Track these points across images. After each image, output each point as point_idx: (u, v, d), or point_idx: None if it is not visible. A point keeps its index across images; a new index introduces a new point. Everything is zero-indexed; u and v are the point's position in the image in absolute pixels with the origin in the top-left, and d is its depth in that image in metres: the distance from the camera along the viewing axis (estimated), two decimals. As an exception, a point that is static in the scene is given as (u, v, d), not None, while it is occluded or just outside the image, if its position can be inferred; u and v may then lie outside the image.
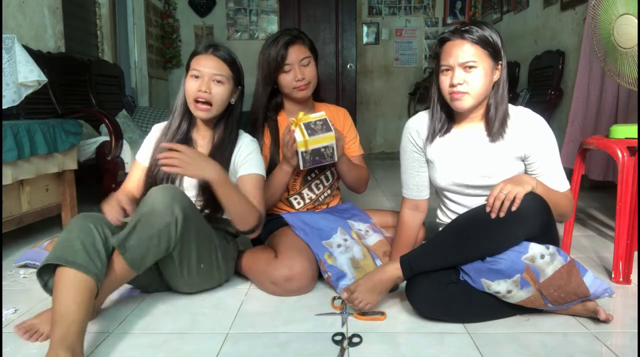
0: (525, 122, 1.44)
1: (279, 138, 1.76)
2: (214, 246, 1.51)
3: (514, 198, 1.26)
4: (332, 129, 1.61)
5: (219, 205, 1.47)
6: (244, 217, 1.45)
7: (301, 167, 1.64)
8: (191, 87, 1.50)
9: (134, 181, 1.61)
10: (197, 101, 1.49)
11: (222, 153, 1.55)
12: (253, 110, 1.79)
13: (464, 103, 1.39)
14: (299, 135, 1.60)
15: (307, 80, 1.73)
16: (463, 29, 1.37)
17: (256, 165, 1.57)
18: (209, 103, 1.49)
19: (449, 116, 1.50)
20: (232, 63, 1.54)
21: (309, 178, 1.81)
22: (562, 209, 1.41)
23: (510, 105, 1.48)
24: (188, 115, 1.58)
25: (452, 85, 1.38)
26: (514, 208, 1.26)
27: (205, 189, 1.49)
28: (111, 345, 1.26)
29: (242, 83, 1.60)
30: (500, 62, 1.40)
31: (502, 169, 1.45)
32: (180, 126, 1.58)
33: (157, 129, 1.64)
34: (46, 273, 1.24)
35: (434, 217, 1.69)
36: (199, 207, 1.53)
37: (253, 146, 1.61)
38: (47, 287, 1.25)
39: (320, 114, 1.63)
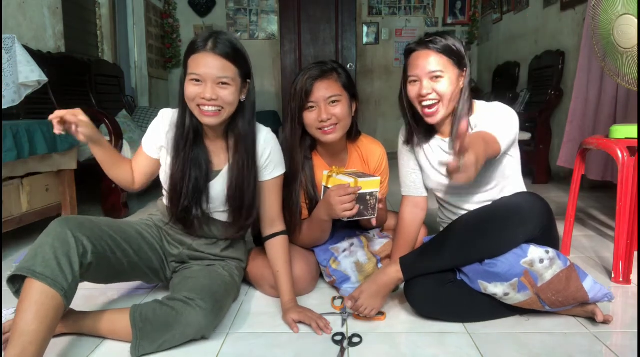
0: (484, 111, 1.45)
1: (316, 179, 1.62)
2: (230, 305, 1.46)
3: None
4: (378, 176, 1.42)
5: (247, 216, 1.44)
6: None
7: (345, 219, 1.41)
8: (192, 92, 1.29)
9: (137, 166, 1.48)
10: (201, 107, 1.31)
11: (245, 155, 1.39)
12: (285, 149, 1.57)
13: (437, 116, 1.42)
14: (344, 177, 1.39)
15: (334, 122, 1.50)
16: (427, 39, 1.40)
17: (279, 165, 1.49)
18: (217, 109, 1.30)
19: (421, 124, 1.52)
20: (237, 57, 1.31)
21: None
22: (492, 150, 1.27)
23: (482, 102, 1.50)
24: (196, 120, 1.37)
25: (421, 96, 1.40)
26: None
27: (234, 200, 1.42)
28: (111, 345, 1.26)
29: (250, 76, 1.38)
30: (465, 69, 1.43)
31: (484, 168, 1.45)
32: (189, 133, 1.38)
33: (166, 119, 1.43)
34: (18, 280, 1.15)
35: (435, 217, 1.70)
36: (225, 218, 1.47)
37: (272, 142, 1.47)
38: (19, 294, 1.15)
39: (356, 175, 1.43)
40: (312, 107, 1.51)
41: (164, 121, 1.44)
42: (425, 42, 1.40)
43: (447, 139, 1.51)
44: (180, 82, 1.36)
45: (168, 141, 1.41)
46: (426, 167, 1.56)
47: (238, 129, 1.40)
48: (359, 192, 1.36)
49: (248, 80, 1.38)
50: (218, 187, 1.42)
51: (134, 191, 1.54)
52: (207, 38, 1.29)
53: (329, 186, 1.42)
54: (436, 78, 1.39)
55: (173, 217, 1.44)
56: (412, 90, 1.43)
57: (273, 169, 1.48)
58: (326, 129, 1.51)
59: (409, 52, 1.45)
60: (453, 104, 1.43)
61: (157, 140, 1.45)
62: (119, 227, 1.36)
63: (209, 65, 1.27)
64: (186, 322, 1.22)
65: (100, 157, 1.41)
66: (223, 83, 1.29)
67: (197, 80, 1.29)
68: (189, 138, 1.38)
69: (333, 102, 1.51)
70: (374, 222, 1.44)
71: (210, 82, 1.28)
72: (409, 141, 1.57)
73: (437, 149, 1.53)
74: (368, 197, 1.38)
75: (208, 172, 1.41)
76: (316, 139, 1.58)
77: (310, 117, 1.52)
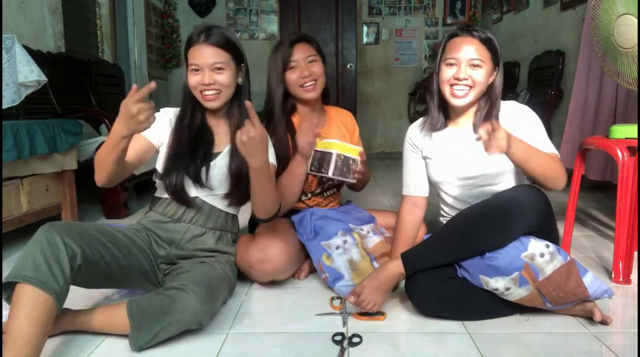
0: (510, 112, 1.48)
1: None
2: (225, 297, 1.47)
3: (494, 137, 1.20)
4: (361, 147, 1.70)
5: (242, 199, 1.51)
6: (266, 209, 1.45)
7: (329, 174, 1.62)
8: (194, 81, 1.45)
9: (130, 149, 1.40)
10: (203, 93, 1.45)
11: None
12: (267, 113, 1.75)
13: (465, 99, 1.43)
14: (333, 140, 1.63)
15: (314, 77, 1.71)
16: (472, 28, 1.45)
17: (271, 153, 1.51)
18: (215, 92, 1.45)
19: (444, 112, 1.55)
20: (228, 45, 1.47)
21: (324, 179, 1.78)
22: (551, 170, 1.33)
23: (510, 102, 1.52)
24: (199, 105, 1.52)
25: (457, 78, 1.42)
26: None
27: (233, 181, 1.48)
28: (110, 346, 1.26)
29: (243, 60, 1.53)
30: (497, 67, 1.46)
31: (494, 159, 1.47)
32: (194, 118, 1.52)
33: (166, 112, 1.55)
34: (9, 287, 1.16)
35: (436, 216, 1.70)
36: (220, 202, 1.52)
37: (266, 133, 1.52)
38: (10, 300, 1.16)
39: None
40: (293, 67, 1.71)
41: (168, 115, 1.55)
42: (470, 30, 1.44)
43: (460, 130, 1.53)
44: (184, 87, 1.52)
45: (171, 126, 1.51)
46: (436, 158, 1.56)
47: (237, 112, 1.52)
48: (344, 154, 1.62)
49: (242, 64, 1.52)
50: (218, 167, 1.49)
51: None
52: (200, 32, 1.46)
53: (318, 149, 1.64)
54: (475, 66, 1.41)
55: (169, 185, 1.45)
56: (447, 72, 1.44)
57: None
58: (307, 85, 1.71)
59: (451, 36, 1.47)
60: (481, 95, 1.46)
61: (157, 128, 1.49)
62: (107, 232, 1.36)
63: (203, 55, 1.44)
64: (182, 307, 1.23)
65: (125, 147, 1.31)
66: (218, 68, 1.44)
67: (196, 70, 1.45)
68: (194, 114, 1.52)
69: (311, 62, 1.72)
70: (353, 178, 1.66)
71: (207, 69, 1.44)
72: (424, 127, 1.58)
73: (450, 139, 1.54)
74: (351, 162, 1.63)
75: (210, 146, 1.51)
76: (298, 98, 1.77)
77: (292, 77, 1.72)
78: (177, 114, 1.54)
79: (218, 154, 1.52)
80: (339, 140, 1.66)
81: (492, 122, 1.20)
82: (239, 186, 1.49)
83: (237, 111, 1.53)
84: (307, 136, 1.59)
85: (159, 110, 1.57)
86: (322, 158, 1.63)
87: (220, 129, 1.56)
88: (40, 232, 1.20)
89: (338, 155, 1.61)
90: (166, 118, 1.53)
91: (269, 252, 1.55)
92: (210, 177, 1.49)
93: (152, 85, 1.17)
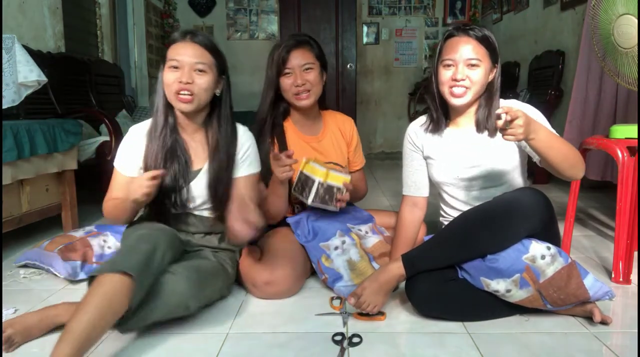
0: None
1: (287, 144, 1.71)
2: (218, 287, 1.47)
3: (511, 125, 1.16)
4: (349, 175, 1.63)
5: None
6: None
7: (309, 202, 1.56)
8: (170, 78, 1.36)
9: (119, 191, 1.44)
10: (178, 93, 1.36)
11: (223, 153, 1.45)
12: (259, 115, 1.72)
13: (464, 99, 1.43)
14: (319, 166, 1.56)
15: (308, 87, 1.66)
16: (468, 27, 1.43)
17: (254, 162, 1.52)
18: (190, 94, 1.36)
19: (445, 113, 1.55)
20: (214, 49, 1.42)
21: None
22: (571, 158, 1.31)
23: (500, 99, 1.51)
24: (172, 113, 1.44)
25: (455, 79, 1.41)
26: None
27: (215, 197, 1.45)
28: (112, 345, 1.26)
29: (225, 72, 1.47)
30: (496, 65, 1.46)
31: (496, 160, 1.48)
32: (165, 126, 1.42)
33: (137, 133, 1.47)
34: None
35: (436, 216, 1.70)
36: (209, 214, 1.51)
37: (249, 140, 1.53)
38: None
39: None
40: (288, 73, 1.66)
41: (139, 136, 1.45)
42: (466, 29, 1.42)
43: (461, 130, 1.53)
44: (157, 93, 1.43)
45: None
46: (437, 158, 1.56)
47: (216, 126, 1.46)
48: (328, 182, 1.55)
49: (223, 76, 1.46)
50: (200, 185, 1.46)
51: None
52: (187, 32, 1.41)
53: (304, 171, 1.57)
54: (472, 66, 1.40)
55: (151, 211, 1.46)
56: (445, 74, 1.44)
57: (248, 165, 1.50)
58: (301, 94, 1.67)
59: (447, 36, 1.46)
60: (480, 94, 1.46)
61: (135, 157, 1.45)
62: (173, 234, 1.39)
63: (187, 53, 1.37)
64: (171, 290, 1.25)
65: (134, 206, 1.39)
66: (200, 70, 1.37)
67: (176, 67, 1.37)
68: (166, 125, 1.43)
69: (307, 69, 1.67)
70: (338, 205, 1.60)
71: (187, 68, 1.36)
72: (428, 128, 1.57)
73: (451, 140, 1.54)
74: (335, 190, 1.57)
75: (187, 167, 1.45)
76: (291, 105, 1.72)
77: (286, 83, 1.67)
78: (148, 132, 1.44)
79: (198, 172, 1.47)
80: (324, 168, 1.57)
81: (511, 111, 1.13)
82: (220, 198, 1.45)
83: (216, 124, 1.46)
84: (282, 169, 1.50)
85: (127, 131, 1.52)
86: (305, 182, 1.57)
87: (195, 143, 1.48)
88: (152, 238, 1.25)
89: (320, 183, 1.55)
90: (137, 140, 1.45)
91: (276, 273, 1.52)
92: (194, 198, 1.47)
93: (163, 173, 1.32)
